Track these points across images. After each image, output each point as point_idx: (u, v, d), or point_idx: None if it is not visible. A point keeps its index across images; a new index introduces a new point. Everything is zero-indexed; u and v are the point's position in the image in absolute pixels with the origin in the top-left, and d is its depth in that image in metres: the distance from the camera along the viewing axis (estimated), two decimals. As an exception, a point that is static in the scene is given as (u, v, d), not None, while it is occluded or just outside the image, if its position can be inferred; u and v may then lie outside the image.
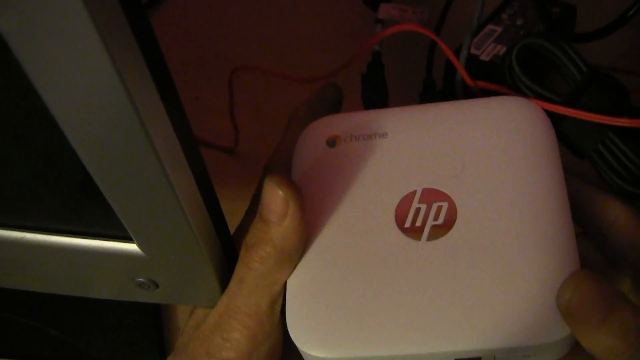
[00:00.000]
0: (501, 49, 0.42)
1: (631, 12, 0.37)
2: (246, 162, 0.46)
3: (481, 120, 0.29)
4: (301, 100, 0.33)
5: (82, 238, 0.25)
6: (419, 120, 0.30)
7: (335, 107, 0.33)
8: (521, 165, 0.27)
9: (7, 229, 0.25)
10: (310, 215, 0.27)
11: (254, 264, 0.26)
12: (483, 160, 0.28)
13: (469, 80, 0.34)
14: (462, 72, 0.34)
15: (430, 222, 0.26)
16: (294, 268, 0.26)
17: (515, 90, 0.32)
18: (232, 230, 0.28)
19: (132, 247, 0.24)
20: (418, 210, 0.27)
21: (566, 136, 0.31)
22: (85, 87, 0.16)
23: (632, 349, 0.22)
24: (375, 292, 0.25)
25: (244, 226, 0.29)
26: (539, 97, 0.31)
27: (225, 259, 0.27)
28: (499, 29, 0.43)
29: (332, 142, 0.30)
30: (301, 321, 0.26)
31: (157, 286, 0.27)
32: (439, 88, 0.43)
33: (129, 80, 0.16)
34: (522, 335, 0.23)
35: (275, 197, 0.25)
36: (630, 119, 0.30)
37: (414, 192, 0.27)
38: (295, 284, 0.26)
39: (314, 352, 0.25)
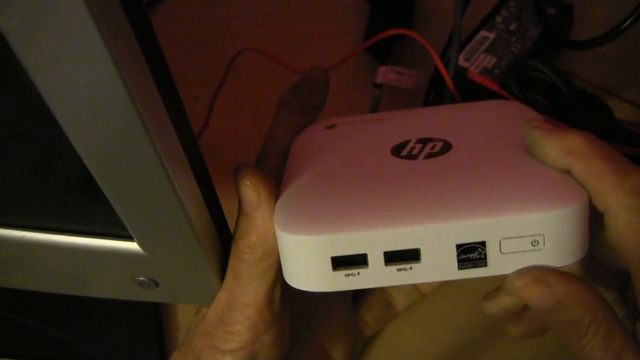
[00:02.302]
0: (491, 60, 0.42)
1: (627, 24, 0.37)
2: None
3: (474, 110, 0.30)
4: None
5: (83, 237, 0.25)
6: (415, 111, 0.31)
7: (322, 91, 0.32)
8: (514, 127, 0.27)
9: (7, 228, 0.25)
10: (308, 162, 0.27)
11: (244, 256, 0.26)
12: (476, 127, 0.28)
13: (455, 94, 0.35)
14: (450, 85, 0.35)
15: (426, 151, 0.26)
16: None
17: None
18: (232, 230, 0.28)
19: (132, 245, 0.24)
20: (413, 147, 0.26)
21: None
22: (86, 87, 0.16)
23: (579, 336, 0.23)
24: (368, 186, 0.24)
25: None
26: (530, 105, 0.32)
27: (226, 258, 0.27)
28: (492, 36, 0.43)
29: (330, 127, 0.30)
30: (287, 210, 0.24)
31: (158, 285, 0.27)
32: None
33: (130, 80, 0.16)
34: (523, 205, 0.22)
35: (245, 188, 0.25)
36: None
37: (409, 139, 0.27)
38: (287, 191, 0.25)
39: (297, 234, 0.23)
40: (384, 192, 0.24)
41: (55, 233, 0.25)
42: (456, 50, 0.36)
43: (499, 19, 0.45)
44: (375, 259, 0.23)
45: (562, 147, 0.23)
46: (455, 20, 0.34)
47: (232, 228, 0.27)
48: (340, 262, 0.23)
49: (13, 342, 0.41)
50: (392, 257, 0.23)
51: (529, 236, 0.22)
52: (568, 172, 0.24)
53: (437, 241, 0.22)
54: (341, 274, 0.23)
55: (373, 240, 0.22)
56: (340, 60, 0.39)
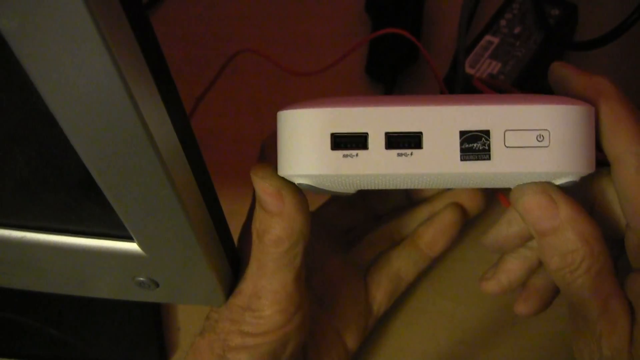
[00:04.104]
0: (496, 66, 0.42)
1: (630, 21, 0.37)
2: (247, 162, 0.46)
3: None
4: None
5: (83, 237, 0.25)
6: None
7: None
8: None
9: (7, 229, 0.25)
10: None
11: (269, 249, 0.26)
12: None
13: None
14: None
15: None
16: (310, 236, 0.26)
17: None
18: (232, 230, 0.28)
19: (132, 246, 0.24)
20: None
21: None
22: (86, 87, 0.16)
23: (582, 254, 0.23)
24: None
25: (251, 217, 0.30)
26: None
27: (225, 258, 0.27)
28: (496, 40, 0.43)
29: None
30: (292, 102, 0.24)
31: (157, 285, 0.27)
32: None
33: (129, 80, 0.16)
34: (530, 100, 0.22)
35: (267, 189, 0.25)
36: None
37: None
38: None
39: (298, 108, 0.23)
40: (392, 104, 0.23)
41: (56, 234, 0.25)
42: (462, 68, 0.36)
43: (503, 22, 0.44)
44: (376, 141, 0.22)
45: (591, 82, 0.24)
46: (459, 45, 0.34)
47: (232, 228, 0.27)
48: (339, 143, 0.22)
49: (13, 342, 0.41)
50: (393, 142, 0.22)
51: (534, 130, 0.22)
52: None
53: (439, 125, 0.22)
54: (339, 154, 0.22)
55: (374, 118, 0.22)
56: (340, 57, 0.39)
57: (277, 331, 0.27)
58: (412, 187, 0.24)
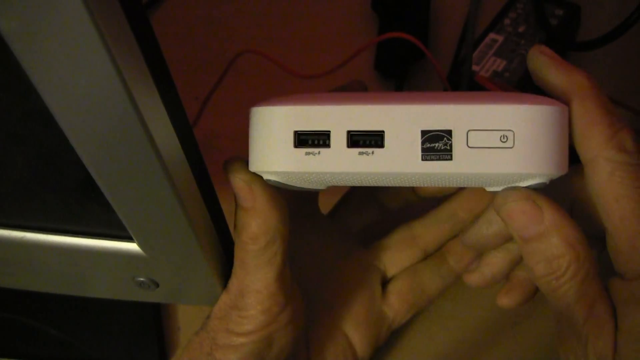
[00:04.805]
0: (501, 64, 0.42)
1: (630, 21, 0.37)
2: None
3: None
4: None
5: (83, 238, 0.25)
6: None
7: None
8: None
9: (7, 229, 0.25)
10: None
11: (247, 246, 0.26)
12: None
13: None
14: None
15: None
16: (288, 235, 0.26)
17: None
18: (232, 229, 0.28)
19: (132, 246, 0.24)
20: None
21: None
22: (85, 87, 0.16)
23: (569, 259, 0.22)
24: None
25: None
26: None
27: (225, 259, 0.27)
28: (500, 39, 0.44)
29: None
30: (263, 100, 0.24)
31: (157, 285, 0.27)
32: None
33: (129, 80, 0.16)
34: (494, 99, 0.22)
35: (237, 183, 0.25)
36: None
37: None
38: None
39: (264, 106, 0.23)
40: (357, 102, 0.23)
41: (56, 234, 0.25)
42: (469, 64, 0.35)
43: (507, 21, 0.45)
44: (338, 139, 0.22)
45: (567, 80, 0.23)
46: (468, 43, 0.34)
47: (231, 227, 0.27)
48: (303, 140, 0.22)
49: (13, 342, 0.41)
50: (355, 141, 0.22)
51: (498, 130, 0.21)
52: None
53: (401, 124, 0.22)
54: (302, 152, 0.22)
55: (337, 115, 0.22)
56: (346, 59, 0.39)
57: (260, 331, 0.27)
58: (377, 184, 0.24)
